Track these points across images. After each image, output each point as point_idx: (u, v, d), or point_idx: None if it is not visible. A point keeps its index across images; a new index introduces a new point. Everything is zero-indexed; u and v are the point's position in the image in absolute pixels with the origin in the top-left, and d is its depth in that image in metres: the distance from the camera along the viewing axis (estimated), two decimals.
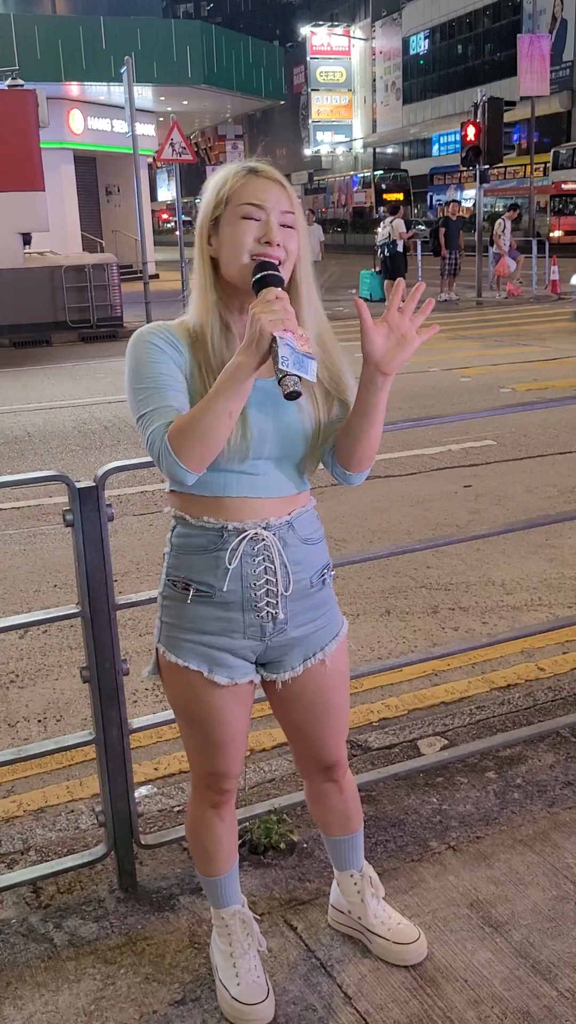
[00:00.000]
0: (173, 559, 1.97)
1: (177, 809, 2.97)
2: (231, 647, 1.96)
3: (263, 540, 1.90)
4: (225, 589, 1.91)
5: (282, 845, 2.70)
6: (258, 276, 1.77)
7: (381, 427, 1.95)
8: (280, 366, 1.66)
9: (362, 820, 2.35)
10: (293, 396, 1.67)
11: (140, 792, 3.03)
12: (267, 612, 1.94)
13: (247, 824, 2.74)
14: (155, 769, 3.32)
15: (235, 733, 2.05)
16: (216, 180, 1.85)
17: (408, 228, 19.23)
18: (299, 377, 1.67)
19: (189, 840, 2.25)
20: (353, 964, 2.31)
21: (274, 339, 1.67)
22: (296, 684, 2.04)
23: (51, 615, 2.54)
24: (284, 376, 1.66)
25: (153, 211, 25.95)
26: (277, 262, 1.79)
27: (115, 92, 21.63)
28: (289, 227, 1.82)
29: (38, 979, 2.33)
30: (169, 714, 2.83)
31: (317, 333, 1.91)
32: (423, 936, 2.33)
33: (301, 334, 1.70)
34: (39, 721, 3.76)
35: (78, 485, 2.36)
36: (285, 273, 1.82)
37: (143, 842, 2.64)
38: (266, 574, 1.92)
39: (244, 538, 1.89)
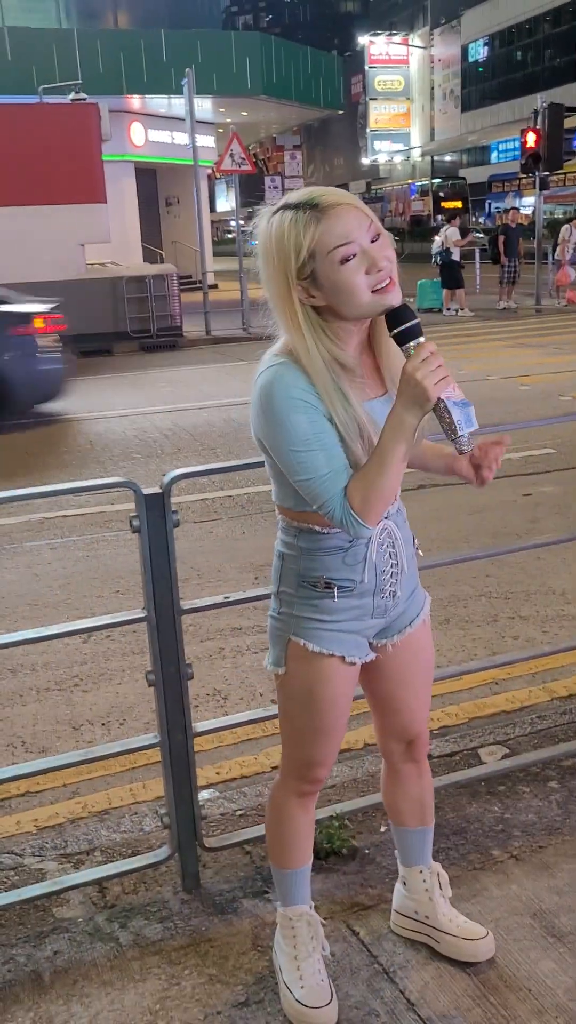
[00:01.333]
0: (307, 562, 2.00)
1: (239, 813, 3.00)
2: (359, 629, 2.06)
3: (387, 528, 2.02)
4: (363, 580, 2.00)
5: (344, 851, 2.72)
6: (396, 332, 1.77)
7: None
8: (458, 432, 1.76)
9: (434, 817, 2.38)
10: (464, 452, 1.82)
11: (202, 796, 3.06)
12: (390, 591, 2.05)
13: None
14: (217, 773, 3.36)
15: (343, 719, 2.14)
16: (283, 236, 1.76)
17: (464, 235, 19.14)
18: (472, 433, 1.78)
19: (268, 830, 2.28)
20: (416, 970, 2.32)
21: (440, 400, 1.73)
22: (398, 648, 2.14)
23: (118, 619, 2.59)
24: (460, 436, 1.76)
25: (212, 222, 26.16)
26: (404, 302, 1.79)
27: (175, 104, 21.93)
28: (378, 237, 1.80)
29: (104, 978, 2.37)
30: (232, 719, 2.87)
31: None
32: (491, 934, 2.33)
33: (453, 383, 1.76)
34: (103, 724, 3.82)
35: (145, 492, 2.40)
36: (397, 282, 1.81)
37: (207, 845, 2.67)
38: (391, 558, 2.03)
39: (376, 530, 1.98)
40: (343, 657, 2.04)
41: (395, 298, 1.79)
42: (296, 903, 2.27)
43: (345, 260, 1.75)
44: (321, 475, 1.82)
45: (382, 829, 2.84)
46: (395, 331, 1.78)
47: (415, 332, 1.77)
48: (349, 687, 2.11)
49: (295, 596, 2.05)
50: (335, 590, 2.00)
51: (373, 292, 1.78)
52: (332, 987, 2.23)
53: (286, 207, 1.78)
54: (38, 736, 3.74)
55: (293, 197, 1.80)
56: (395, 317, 1.78)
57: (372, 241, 1.77)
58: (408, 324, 1.77)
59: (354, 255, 1.75)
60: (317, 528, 1.97)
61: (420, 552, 2.21)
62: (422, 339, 1.77)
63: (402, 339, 1.77)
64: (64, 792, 3.32)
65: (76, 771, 3.35)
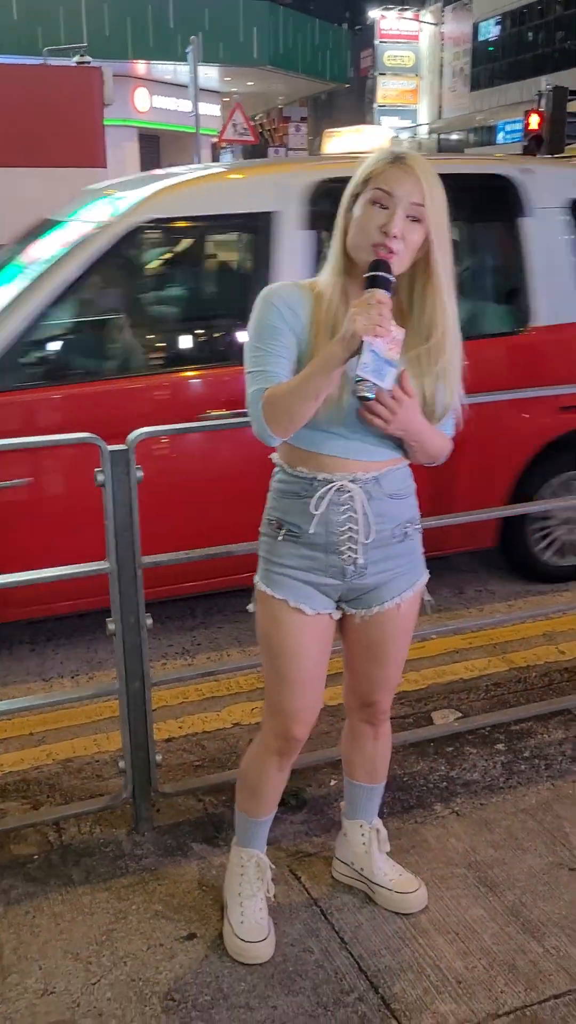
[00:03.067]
0: (272, 500, 2.16)
1: (196, 764, 3.11)
2: (315, 582, 2.13)
3: (348, 492, 2.06)
4: (312, 531, 2.07)
5: (292, 801, 2.82)
6: (368, 274, 1.89)
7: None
8: (359, 371, 1.82)
9: (385, 777, 2.48)
10: (365, 399, 1.84)
11: (162, 746, 3.17)
12: (348, 556, 2.09)
13: None
14: (179, 728, 3.46)
15: (311, 671, 2.19)
16: (366, 160, 1.97)
17: None
18: (375, 384, 1.81)
19: (240, 777, 2.37)
20: (351, 912, 2.43)
21: (362, 342, 1.81)
22: (366, 623, 2.20)
23: (80, 570, 2.67)
24: (361, 380, 1.82)
25: None
26: (390, 260, 1.90)
27: (181, 71, 21.73)
28: (416, 219, 1.92)
29: (55, 910, 2.48)
30: (188, 672, 2.97)
31: (441, 333, 1.99)
32: (423, 887, 2.44)
33: (395, 337, 1.83)
34: (72, 677, 3.91)
35: (110, 448, 2.48)
36: (401, 265, 1.93)
37: (161, 790, 2.77)
38: (349, 523, 2.07)
39: (331, 488, 2.05)
40: (286, 601, 2.11)
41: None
42: (252, 847, 2.38)
43: (374, 203, 1.91)
44: (258, 370, 1.99)
45: (331, 783, 2.95)
46: (366, 275, 1.90)
47: (380, 284, 1.87)
48: (308, 637, 2.14)
49: (263, 535, 2.17)
50: (282, 531, 2.10)
51: (374, 245, 1.91)
52: (271, 926, 2.35)
53: (387, 148, 1.99)
54: (9, 690, 3.83)
55: (399, 148, 2.00)
56: (374, 265, 1.91)
57: (408, 216, 1.90)
58: (379, 273, 1.88)
59: (385, 207, 1.90)
60: (286, 466, 2.10)
61: (418, 527, 2.20)
62: (383, 290, 1.87)
63: (370, 279, 1.89)
64: (31, 740, 3.42)
65: (42, 720, 3.45)
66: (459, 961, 2.27)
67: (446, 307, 1.99)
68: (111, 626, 2.61)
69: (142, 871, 2.61)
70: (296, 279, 2.11)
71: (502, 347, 4.23)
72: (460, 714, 3.35)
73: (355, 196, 1.96)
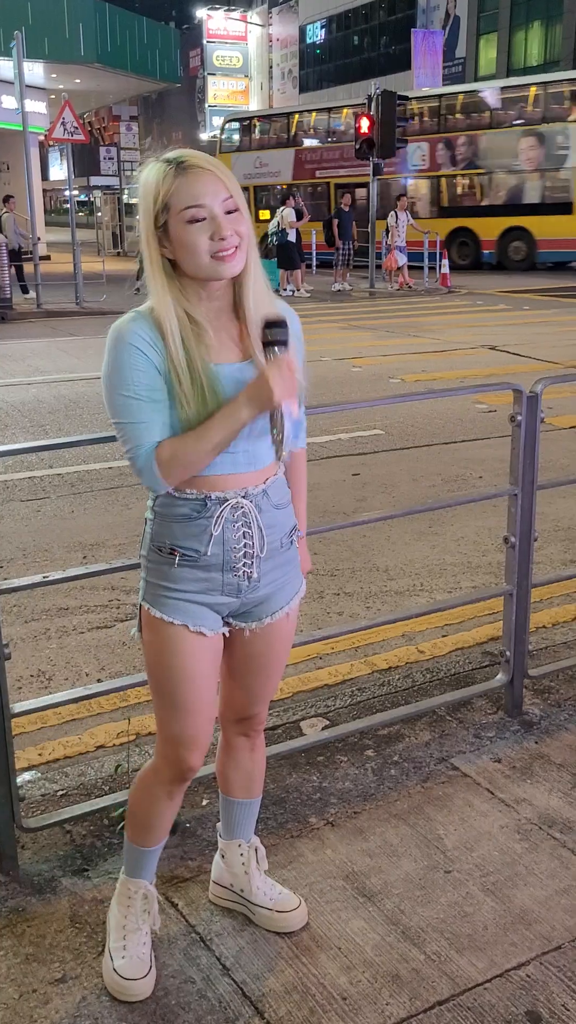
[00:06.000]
0: (156, 526, 2.07)
1: (60, 793, 2.99)
2: (210, 603, 2.08)
3: (242, 507, 2.03)
4: (208, 553, 2.02)
5: None
6: (268, 341, 1.91)
7: None
8: (283, 444, 1.97)
9: (262, 791, 2.44)
10: (287, 458, 2.07)
11: (23, 777, 3.03)
12: (243, 572, 2.06)
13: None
14: (39, 755, 3.32)
15: (206, 695, 2.12)
16: (147, 185, 1.88)
17: (300, 217, 19.33)
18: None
19: (131, 808, 2.27)
20: (232, 937, 2.38)
21: (279, 408, 1.89)
22: (254, 635, 2.16)
23: None
24: (284, 446, 1.98)
25: (45, 191, 25.31)
26: (232, 260, 1.88)
27: (4, 67, 21.10)
28: (234, 211, 1.88)
29: None
30: (50, 698, 2.85)
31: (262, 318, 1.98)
32: (303, 904, 2.42)
33: (300, 393, 1.92)
34: None
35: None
36: (243, 257, 1.91)
37: (24, 825, 2.65)
38: (244, 538, 2.05)
39: (226, 506, 2.01)
40: (187, 626, 2.05)
41: (234, 268, 1.91)
42: (140, 877, 2.30)
43: (193, 220, 1.86)
44: (138, 421, 1.92)
45: (203, 803, 2.89)
46: (268, 332, 1.92)
47: (283, 342, 1.92)
48: (203, 662, 2.10)
49: (148, 561, 2.10)
50: (176, 556, 2.04)
51: (213, 257, 1.87)
52: (153, 961, 2.27)
53: (158, 160, 1.90)
54: None
55: (168, 153, 1.91)
56: (272, 323, 1.92)
57: (227, 212, 1.87)
58: (281, 330, 1.92)
59: (203, 219, 1.86)
60: (172, 491, 2.02)
61: (300, 533, 2.22)
62: (288, 351, 1.91)
63: (270, 342, 1.92)
64: None
65: None
66: (343, 976, 2.25)
67: (263, 293, 1.99)
68: None
69: (9, 913, 2.48)
70: None
71: None
72: (328, 722, 3.35)
73: (160, 226, 1.88)
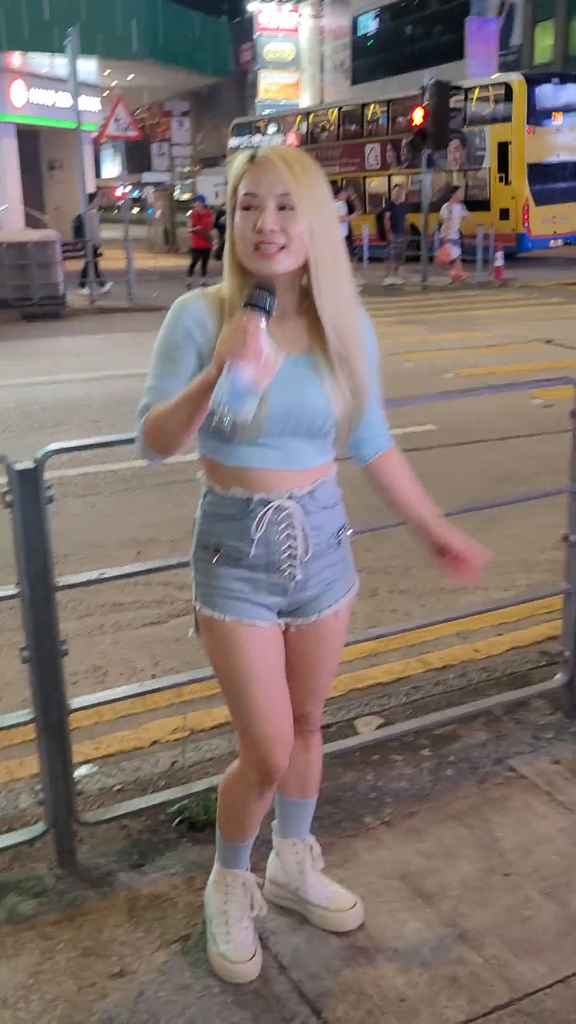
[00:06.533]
0: (204, 524, 2.09)
1: (117, 788, 3.01)
2: (258, 601, 2.08)
3: (287, 509, 2.02)
4: (253, 554, 2.02)
5: None
6: (244, 301, 1.82)
7: None
8: (212, 400, 1.75)
9: (317, 791, 2.43)
10: (228, 428, 1.77)
11: (80, 771, 3.06)
12: (288, 573, 2.06)
13: (186, 801, 2.79)
14: (96, 749, 3.35)
15: (278, 689, 2.12)
16: (231, 168, 1.94)
17: (351, 211, 19.24)
18: (230, 411, 1.73)
19: (221, 801, 2.29)
20: (287, 935, 2.38)
21: (225, 363, 1.73)
22: (302, 632, 2.15)
23: None
24: (214, 401, 1.74)
25: (98, 187, 25.48)
26: (276, 257, 1.86)
27: (58, 64, 21.27)
28: (288, 208, 1.86)
29: None
30: (107, 694, 2.87)
31: (338, 332, 1.96)
32: (360, 903, 2.41)
33: (267, 362, 1.74)
34: None
35: (17, 467, 2.37)
36: (295, 256, 1.88)
37: (82, 820, 2.67)
38: (288, 540, 2.04)
39: (270, 508, 2.00)
40: (239, 620, 2.05)
41: (274, 266, 1.88)
42: (236, 868, 2.32)
43: (245, 207, 1.89)
44: (150, 385, 1.97)
45: None
46: (250, 294, 1.82)
47: (256, 303, 1.79)
48: (264, 655, 2.09)
49: (197, 560, 2.11)
50: (222, 555, 2.04)
51: (255, 249, 1.87)
52: (258, 945, 2.29)
53: (247, 150, 1.93)
54: None
55: (263, 145, 2.01)
56: (254, 286, 1.85)
57: (279, 207, 1.86)
58: (261, 294, 1.81)
59: (253, 208, 1.87)
60: (216, 489, 2.04)
61: (349, 532, 2.19)
62: (257, 314, 1.78)
63: (247, 304, 1.81)
64: None
65: None
66: (400, 978, 2.24)
67: (336, 299, 1.95)
68: (24, 654, 2.49)
69: (67, 906, 2.51)
70: None
71: None
72: (382, 720, 3.33)
73: (232, 208, 1.94)
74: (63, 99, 23.22)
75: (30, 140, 27.11)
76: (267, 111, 47.76)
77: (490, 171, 23.70)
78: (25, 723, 2.61)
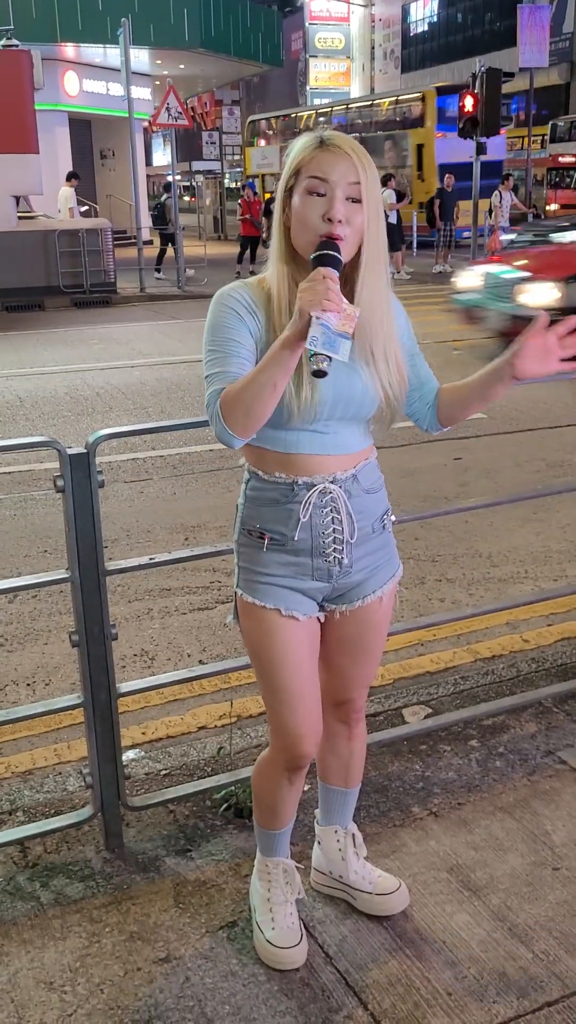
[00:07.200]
0: (248, 509, 2.07)
1: (164, 773, 3.01)
2: (301, 588, 2.06)
3: (331, 493, 2.01)
4: (296, 538, 2.01)
5: None
6: (315, 255, 1.80)
7: None
8: (308, 344, 1.72)
9: (360, 780, 2.41)
10: (319, 375, 1.73)
11: (128, 756, 3.06)
12: (334, 557, 2.04)
13: (232, 788, 2.78)
14: (143, 733, 3.36)
15: (309, 680, 2.11)
16: (292, 149, 1.90)
17: (400, 198, 19.09)
18: (329, 357, 1.71)
19: (254, 789, 2.29)
20: (334, 925, 2.36)
21: (311, 318, 1.71)
22: (346, 618, 2.14)
23: (41, 579, 2.56)
24: (313, 355, 1.72)
25: (149, 176, 25.62)
26: (339, 240, 1.82)
27: (111, 54, 21.39)
28: (356, 200, 1.85)
29: (24, 936, 2.37)
30: (156, 679, 2.87)
31: (371, 324, 1.92)
32: (404, 885, 2.39)
33: (347, 312, 1.72)
34: (28, 684, 3.79)
35: (69, 451, 2.37)
36: (350, 249, 1.86)
37: (130, 804, 2.67)
38: (333, 523, 2.02)
39: (314, 491, 1.99)
40: (279, 610, 2.04)
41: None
42: (275, 855, 2.32)
43: (312, 192, 1.84)
44: (215, 372, 1.90)
45: (305, 788, 2.87)
46: (313, 255, 1.81)
47: (327, 262, 1.78)
48: (300, 647, 2.08)
49: (240, 546, 2.09)
50: (266, 540, 2.03)
51: (319, 236, 1.84)
52: (303, 930, 2.28)
53: (310, 133, 1.90)
54: None
55: (322, 130, 1.92)
56: (320, 245, 1.82)
57: (348, 198, 1.84)
58: (326, 252, 1.80)
59: (322, 194, 1.83)
60: (260, 473, 2.02)
61: (393, 519, 2.18)
62: (328, 268, 1.77)
63: (315, 257, 1.80)
64: None
65: None
66: (448, 971, 2.21)
67: (375, 287, 1.92)
68: (74, 637, 2.50)
69: (114, 890, 2.51)
70: None
71: None
72: (430, 710, 3.29)
73: (289, 189, 1.89)
74: (115, 88, 23.35)
75: (82, 129, 27.28)
76: (316, 100, 47.60)
77: None
78: (74, 707, 2.61)
